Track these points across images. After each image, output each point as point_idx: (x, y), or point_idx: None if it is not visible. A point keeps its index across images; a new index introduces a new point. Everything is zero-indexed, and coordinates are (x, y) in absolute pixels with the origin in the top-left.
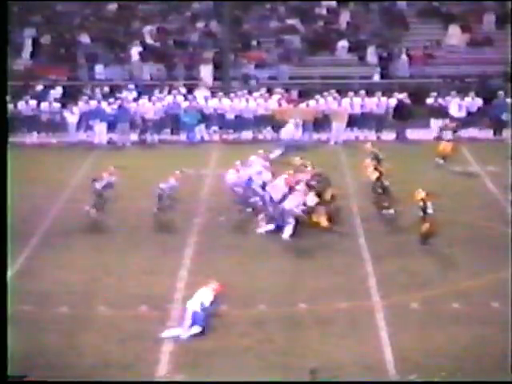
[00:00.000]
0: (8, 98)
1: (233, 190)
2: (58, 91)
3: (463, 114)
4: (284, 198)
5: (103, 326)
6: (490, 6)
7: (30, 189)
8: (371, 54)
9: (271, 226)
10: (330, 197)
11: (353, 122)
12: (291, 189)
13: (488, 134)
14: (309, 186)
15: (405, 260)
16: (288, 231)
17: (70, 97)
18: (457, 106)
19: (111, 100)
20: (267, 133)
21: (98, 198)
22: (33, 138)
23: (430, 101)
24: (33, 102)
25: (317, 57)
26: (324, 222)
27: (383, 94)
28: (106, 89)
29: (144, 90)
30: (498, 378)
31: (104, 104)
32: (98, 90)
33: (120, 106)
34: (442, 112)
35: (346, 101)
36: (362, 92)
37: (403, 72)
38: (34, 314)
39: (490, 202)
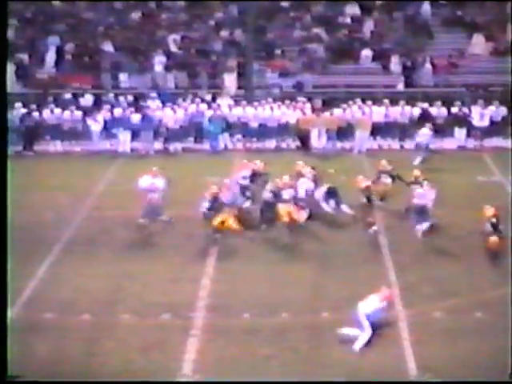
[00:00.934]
0: (33, 106)
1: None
2: (87, 99)
3: (486, 123)
4: None
5: (126, 334)
6: None
7: (54, 197)
8: (395, 63)
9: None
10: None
11: (376, 130)
12: None
13: None
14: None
15: (428, 269)
16: None
17: (93, 105)
18: (478, 115)
19: (135, 108)
20: (291, 142)
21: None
22: (57, 146)
23: (454, 110)
24: (57, 111)
25: (340, 65)
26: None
27: (407, 103)
28: (130, 97)
29: (168, 99)
30: None
31: (128, 112)
32: (122, 99)
33: (144, 115)
34: (466, 121)
35: (375, 109)
36: (386, 101)
37: (427, 81)
38: (57, 321)
39: None
